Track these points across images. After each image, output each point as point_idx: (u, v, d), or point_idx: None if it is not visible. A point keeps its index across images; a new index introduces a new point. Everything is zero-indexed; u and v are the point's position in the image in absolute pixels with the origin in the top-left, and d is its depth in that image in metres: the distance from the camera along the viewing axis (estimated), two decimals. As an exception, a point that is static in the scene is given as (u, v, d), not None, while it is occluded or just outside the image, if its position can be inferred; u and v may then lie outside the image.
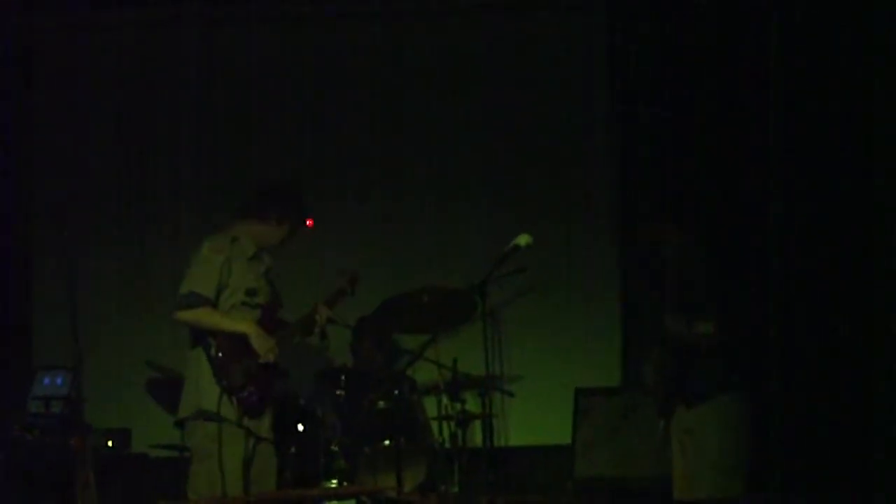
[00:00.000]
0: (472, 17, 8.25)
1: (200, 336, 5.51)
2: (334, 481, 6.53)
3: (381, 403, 6.63)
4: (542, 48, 8.19)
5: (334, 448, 6.78)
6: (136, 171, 8.19)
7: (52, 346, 7.24)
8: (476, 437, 6.76)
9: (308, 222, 5.69)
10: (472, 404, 6.79)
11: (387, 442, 6.71)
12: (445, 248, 7.90)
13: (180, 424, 5.63)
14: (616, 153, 8.10)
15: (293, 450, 6.11)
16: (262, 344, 5.48)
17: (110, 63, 8.22)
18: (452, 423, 6.74)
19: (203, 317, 5.47)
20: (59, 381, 6.56)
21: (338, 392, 6.90)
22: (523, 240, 5.62)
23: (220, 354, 5.44)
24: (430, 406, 7.10)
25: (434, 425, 6.92)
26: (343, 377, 6.94)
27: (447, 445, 6.78)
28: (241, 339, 5.47)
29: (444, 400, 6.81)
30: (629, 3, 7.95)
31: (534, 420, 7.67)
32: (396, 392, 6.74)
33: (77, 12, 8.14)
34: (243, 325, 5.49)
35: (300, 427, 6.71)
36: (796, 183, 7.21)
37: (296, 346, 6.03)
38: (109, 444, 6.84)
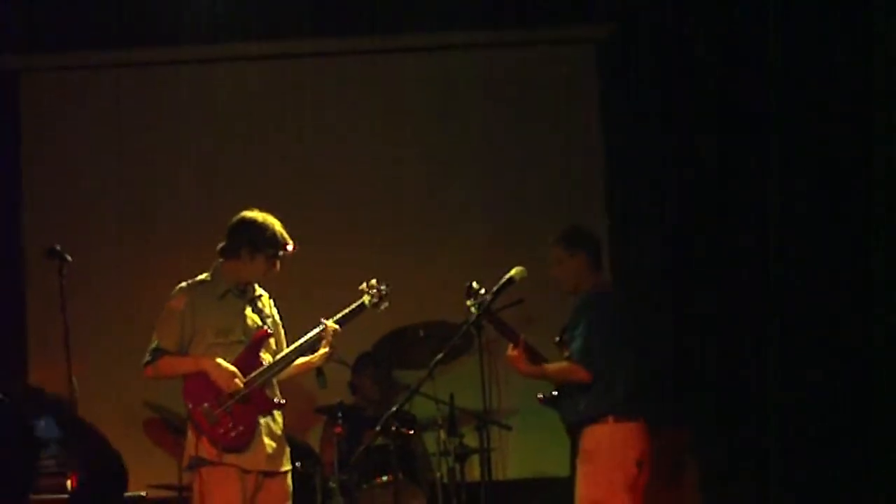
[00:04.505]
0: (461, 54, 8.30)
1: None
2: (333, 518, 6.52)
3: (380, 439, 6.61)
4: (533, 84, 8.24)
5: (332, 485, 6.77)
6: (135, 211, 8.21)
7: (48, 387, 7.21)
8: (474, 471, 6.74)
9: (288, 248, 5.61)
10: (469, 438, 6.78)
11: (385, 478, 6.70)
12: (443, 282, 7.89)
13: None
14: (609, 187, 8.13)
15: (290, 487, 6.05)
16: (221, 375, 5.40)
17: (107, 102, 8.26)
18: (451, 458, 6.73)
19: (164, 368, 5.49)
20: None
21: (336, 429, 6.89)
22: (517, 272, 5.63)
23: (190, 404, 5.43)
24: (430, 441, 7.10)
25: (433, 460, 6.91)
26: (341, 414, 6.93)
27: (445, 480, 6.77)
28: (208, 379, 5.43)
29: (442, 435, 6.81)
30: (620, 38, 8.00)
31: (532, 453, 7.66)
32: (394, 428, 6.72)
33: (73, 52, 8.18)
34: (199, 362, 5.45)
35: (297, 464, 6.70)
36: (794, 217, 7.24)
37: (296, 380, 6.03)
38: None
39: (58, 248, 5.53)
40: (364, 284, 5.76)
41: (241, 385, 5.41)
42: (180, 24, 8.05)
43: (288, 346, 5.65)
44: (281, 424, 5.60)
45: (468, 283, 5.71)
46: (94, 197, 8.26)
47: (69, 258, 5.54)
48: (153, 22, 8.06)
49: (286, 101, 8.29)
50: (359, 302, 5.72)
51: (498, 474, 6.55)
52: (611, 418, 5.67)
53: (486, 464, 6.25)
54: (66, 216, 8.12)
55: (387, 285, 5.75)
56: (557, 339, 5.93)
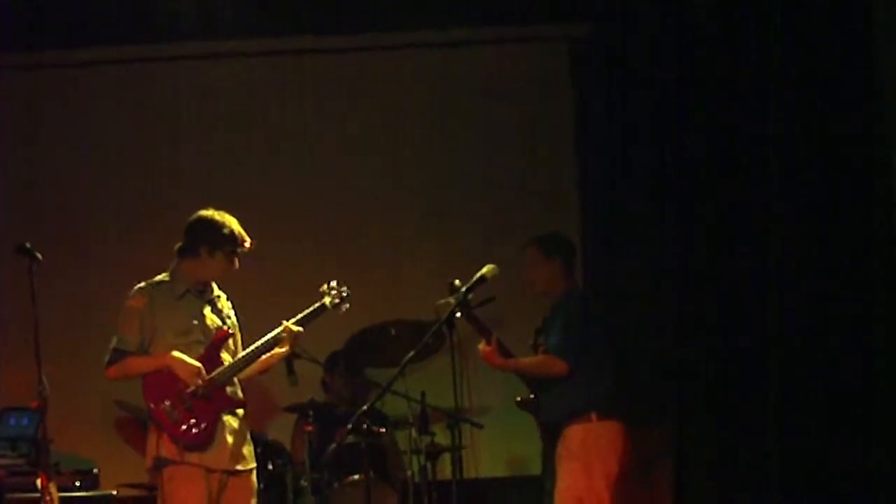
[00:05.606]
0: (440, 53, 8.31)
1: None
2: (304, 517, 6.52)
3: (351, 437, 6.61)
4: (508, 83, 8.25)
5: (304, 483, 6.77)
6: (111, 210, 8.16)
7: (18, 387, 7.18)
8: (446, 469, 6.76)
9: (246, 245, 5.59)
10: (441, 437, 6.79)
11: (356, 476, 6.71)
12: (414, 280, 7.90)
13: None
14: (583, 188, 8.14)
15: (261, 486, 6.07)
16: (184, 370, 5.38)
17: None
18: (422, 456, 6.74)
19: (127, 368, 5.46)
20: (25, 421, 6.51)
21: (307, 427, 6.88)
22: (489, 270, 5.65)
23: (151, 403, 5.40)
24: (401, 439, 7.10)
25: (404, 458, 6.92)
26: (312, 412, 6.93)
27: (417, 479, 6.78)
28: (170, 376, 5.40)
29: (414, 433, 6.82)
30: (594, 38, 8.00)
31: (503, 451, 7.67)
32: (366, 426, 6.73)
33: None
34: (161, 359, 5.42)
35: (269, 464, 6.70)
36: (787, 218, 7.25)
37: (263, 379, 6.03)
38: (77, 484, 6.78)
39: (28, 245, 5.50)
40: (325, 286, 5.76)
41: (205, 381, 5.39)
42: (177, 20, 8.00)
43: (247, 347, 5.62)
44: (244, 422, 5.57)
45: (450, 281, 5.73)
46: (68, 195, 8.20)
47: (40, 256, 5.50)
48: (146, 18, 8.00)
49: (284, 98, 8.27)
50: (319, 303, 5.72)
51: (469, 472, 6.57)
52: (594, 415, 5.73)
53: (457, 462, 6.29)
54: (38, 214, 8.07)
55: (347, 287, 5.75)
56: (532, 342, 5.96)
